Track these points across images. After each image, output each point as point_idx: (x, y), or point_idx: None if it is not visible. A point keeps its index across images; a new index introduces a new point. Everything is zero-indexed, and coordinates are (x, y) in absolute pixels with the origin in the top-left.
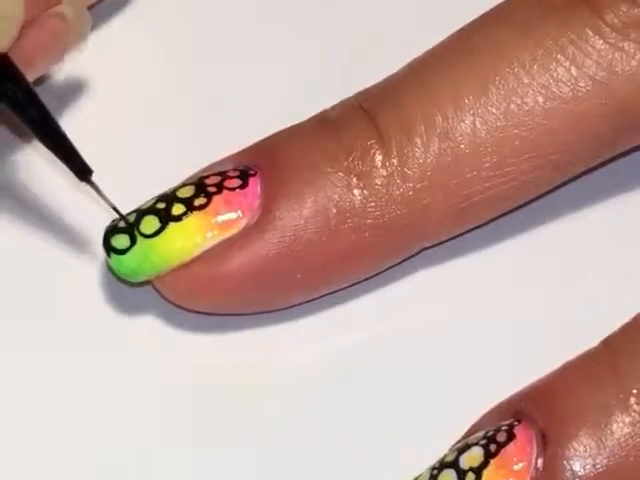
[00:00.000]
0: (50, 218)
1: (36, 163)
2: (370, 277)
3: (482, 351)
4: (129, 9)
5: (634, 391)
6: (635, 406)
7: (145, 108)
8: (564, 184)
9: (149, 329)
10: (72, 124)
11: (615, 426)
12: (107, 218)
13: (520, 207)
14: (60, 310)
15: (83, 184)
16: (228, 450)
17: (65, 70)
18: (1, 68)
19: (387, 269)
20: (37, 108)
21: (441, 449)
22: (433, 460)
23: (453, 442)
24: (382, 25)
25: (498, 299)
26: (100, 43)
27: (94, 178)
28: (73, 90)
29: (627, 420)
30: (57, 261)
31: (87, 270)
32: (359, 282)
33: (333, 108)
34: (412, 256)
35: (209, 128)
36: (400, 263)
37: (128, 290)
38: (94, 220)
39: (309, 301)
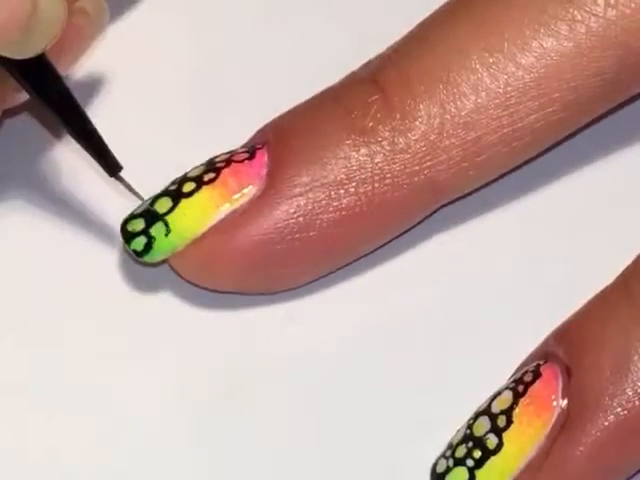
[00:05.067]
0: (73, 207)
1: (65, 157)
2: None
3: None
4: (131, 13)
5: None
6: None
7: (152, 107)
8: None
9: (167, 310)
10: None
11: (634, 344)
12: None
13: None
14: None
15: (112, 179)
16: (229, 432)
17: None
18: (40, 67)
19: (399, 236)
20: (72, 106)
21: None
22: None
23: None
24: (382, 25)
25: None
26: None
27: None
28: (92, 88)
29: None
30: (75, 247)
31: (104, 255)
32: (377, 250)
33: (338, 82)
34: (428, 217)
35: (215, 127)
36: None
37: (145, 271)
38: (113, 208)
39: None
